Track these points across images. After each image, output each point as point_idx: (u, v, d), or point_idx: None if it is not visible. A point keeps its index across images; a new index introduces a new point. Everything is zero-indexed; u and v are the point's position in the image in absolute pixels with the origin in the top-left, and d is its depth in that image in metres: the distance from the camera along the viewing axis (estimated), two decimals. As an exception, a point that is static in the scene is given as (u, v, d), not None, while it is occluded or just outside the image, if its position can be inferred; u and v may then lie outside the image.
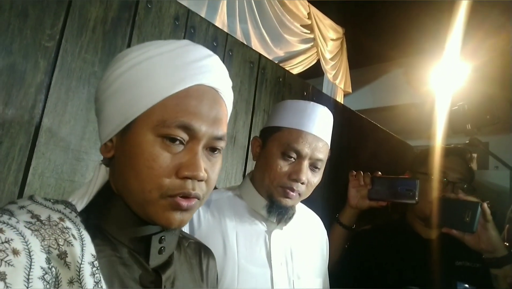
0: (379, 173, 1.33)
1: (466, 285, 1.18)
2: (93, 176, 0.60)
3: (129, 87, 0.55)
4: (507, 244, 1.45)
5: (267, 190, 0.97)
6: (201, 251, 0.76)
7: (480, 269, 1.19)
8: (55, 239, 0.47)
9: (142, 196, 0.55)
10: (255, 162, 1.04)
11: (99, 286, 0.49)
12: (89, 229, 0.52)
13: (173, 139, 0.54)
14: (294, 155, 0.94)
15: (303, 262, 1.01)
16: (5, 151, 0.84)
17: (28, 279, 0.41)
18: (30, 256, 0.43)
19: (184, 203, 0.55)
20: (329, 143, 1.00)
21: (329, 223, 1.32)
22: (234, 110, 1.36)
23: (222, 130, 0.59)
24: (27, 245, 0.43)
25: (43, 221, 0.48)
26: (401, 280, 1.15)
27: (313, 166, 0.96)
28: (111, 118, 0.57)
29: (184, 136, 0.55)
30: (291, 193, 0.94)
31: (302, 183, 0.94)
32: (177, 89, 0.55)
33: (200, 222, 0.94)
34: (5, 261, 0.40)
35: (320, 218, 1.18)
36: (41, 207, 0.50)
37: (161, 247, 0.61)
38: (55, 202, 0.52)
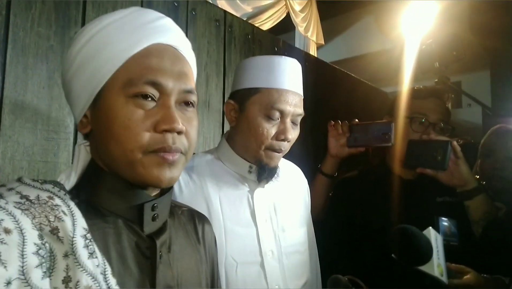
0: (356, 120, 1.35)
1: (446, 218, 1.24)
2: (74, 158, 0.61)
3: (90, 59, 0.57)
4: (478, 177, 1.52)
5: (254, 154, 0.96)
6: (195, 217, 0.78)
7: (459, 203, 1.25)
8: (46, 216, 0.48)
9: (125, 158, 0.56)
10: (232, 125, 1.01)
11: (94, 256, 0.50)
12: (80, 205, 0.53)
13: (144, 96, 0.56)
14: (278, 115, 0.93)
15: (287, 215, 1.03)
16: (-32, 138, 0.80)
17: (22, 255, 0.43)
18: (22, 234, 0.44)
19: (168, 156, 0.57)
20: (302, 96, 1.00)
21: (311, 174, 1.35)
22: (205, 73, 1.33)
23: (190, 84, 0.61)
24: (18, 224, 0.44)
25: (32, 201, 0.49)
26: (385, 221, 1.19)
27: (293, 123, 0.97)
28: (80, 94, 0.58)
29: (154, 92, 0.56)
30: (278, 153, 0.96)
31: (288, 142, 0.95)
32: (136, 49, 0.57)
33: (182, 190, 0.94)
34: None
35: (303, 170, 1.20)
36: (30, 187, 0.51)
37: (154, 214, 0.62)
38: (43, 182, 0.53)
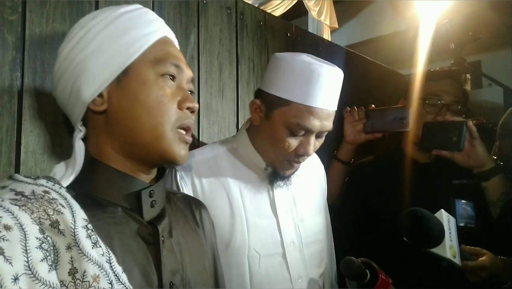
0: (373, 106, 1.33)
1: (463, 201, 1.23)
2: (74, 152, 0.62)
3: (114, 40, 0.61)
4: (495, 158, 1.49)
5: (271, 161, 0.96)
6: (191, 203, 0.81)
7: (476, 186, 1.23)
8: (44, 210, 0.48)
9: (155, 132, 0.61)
10: (255, 124, 0.98)
11: (98, 245, 0.51)
12: (76, 198, 0.53)
13: (170, 76, 0.64)
14: (303, 132, 0.90)
15: (306, 205, 1.04)
16: (-8, 134, 0.83)
17: (26, 250, 0.42)
18: (23, 229, 0.44)
19: (188, 136, 0.65)
20: (336, 108, 0.95)
21: (327, 161, 1.35)
22: (218, 62, 1.33)
23: (192, 73, 0.70)
24: (17, 220, 0.44)
25: (28, 196, 0.48)
26: (401, 205, 1.19)
27: (319, 136, 0.94)
28: (100, 72, 0.61)
29: (175, 74, 0.65)
30: (296, 164, 0.95)
31: (308, 156, 0.94)
32: (158, 36, 0.65)
33: (203, 184, 0.94)
34: (0, 237, 0.41)
35: (318, 157, 1.19)
36: (23, 184, 0.51)
37: (152, 200, 0.65)
38: (36, 178, 0.53)
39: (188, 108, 0.65)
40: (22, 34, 0.88)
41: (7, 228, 0.42)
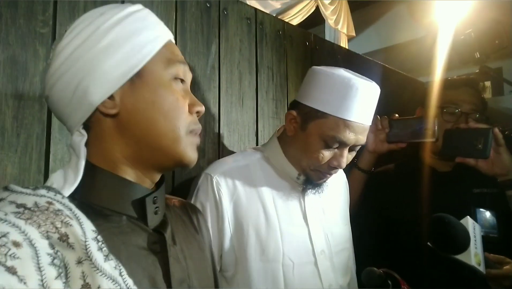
0: (396, 115, 1.32)
1: (485, 210, 1.20)
2: (74, 157, 0.57)
3: (126, 39, 0.58)
4: None
5: (303, 170, 0.97)
6: (188, 208, 0.79)
7: (498, 194, 1.21)
8: (52, 223, 0.45)
9: (171, 135, 0.60)
10: (289, 134, 0.99)
11: (110, 258, 0.48)
12: (79, 208, 0.50)
13: (179, 79, 0.63)
14: (337, 145, 0.91)
15: (334, 216, 1.05)
16: (24, 142, 0.86)
17: (39, 268, 0.40)
18: (33, 245, 0.41)
19: (197, 139, 0.65)
20: (371, 123, 0.97)
21: (347, 169, 1.34)
22: (238, 71, 1.35)
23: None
24: (25, 235, 0.41)
25: (32, 208, 0.45)
26: (420, 215, 1.17)
27: (353, 150, 0.96)
28: (111, 72, 0.57)
29: (183, 76, 0.64)
30: (328, 176, 0.97)
31: (341, 168, 0.95)
32: (165, 39, 0.63)
33: (237, 191, 0.95)
34: (10, 255, 0.38)
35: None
36: (23, 195, 0.47)
37: (156, 207, 0.63)
38: (35, 188, 0.49)
39: (197, 112, 0.64)
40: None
41: (16, 244, 0.39)
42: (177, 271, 0.61)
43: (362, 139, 0.93)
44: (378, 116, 1.34)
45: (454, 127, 1.23)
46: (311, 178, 0.97)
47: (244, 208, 0.93)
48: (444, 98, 1.29)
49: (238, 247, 0.92)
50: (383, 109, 1.41)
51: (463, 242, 0.94)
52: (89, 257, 0.45)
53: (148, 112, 0.59)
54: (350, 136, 0.90)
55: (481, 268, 0.95)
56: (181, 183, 1.15)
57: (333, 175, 1.11)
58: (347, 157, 0.93)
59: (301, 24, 3.45)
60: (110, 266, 0.47)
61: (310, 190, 0.99)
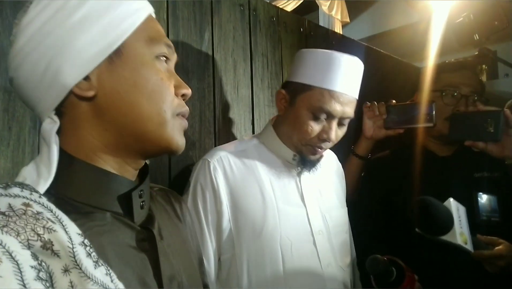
0: (394, 101, 1.31)
1: (486, 194, 1.21)
2: (47, 149, 0.49)
3: (103, 12, 0.51)
4: None
5: (295, 146, 1.00)
6: (170, 197, 0.74)
7: (500, 178, 1.21)
8: (32, 230, 0.40)
9: (157, 119, 0.54)
10: (280, 114, 1.04)
11: (100, 264, 0.44)
12: (58, 206, 0.45)
13: (165, 57, 0.57)
14: (325, 116, 0.94)
15: (330, 198, 1.07)
16: (16, 136, 0.85)
17: (24, 285, 0.35)
18: (13, 259, 0.36)
19: (185, 123, 0.60)
20: (357, 97, 0.99)
21: (343, 155, 1.34)
22: (232, 59, 1.33)
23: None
24: (4, 248, 0.36)
25: (6, 213, 0.40)
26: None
27: (341, 123, 0.98)
28: (86, 50, 0.50)
29: (168, 54, 0.58)
30: (320, 150, 0.98)
31: (330, 141, 0.97)
32: (146, 13, 0.56)
33: (234, 174, 0.97)
34: None
35: (333, 151, 1.20)
36: None
37: (142, 201, 0.58)
38: (6, 187, 0.43)
39: (183, 95, 0.59)
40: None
41: None
42: (166, 268, 0.56)
43: (349, 111, 0.95)
44: (375, 102, 1.33)
45: (462, 111, 1.21)
46: (304, 156, 0.99)
47: (241, 190, 0.95)
48: (443, 82, 1.28)
49: (235, 228, 0.94)
50: (378, 94, 1.40)
51: (447, 222, 0.96)
52: (77, 265, 0.41)
53: (129, 95, 0.52)
54: (336, 107, 0.92)
55: (468, 247, 0.97)
56: (178, 174, 1.14)
57: (330, 163, 1.13)
58: (336, 130, 0.96)
59: (295, 11, 3.42)
60: (101, 273, 0.43)
61: (306, 170, 1.02)
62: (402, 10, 4.30)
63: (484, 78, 3.92)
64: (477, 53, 1.90)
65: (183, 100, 0.59)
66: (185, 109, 0.59)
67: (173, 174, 1.13)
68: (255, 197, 0.96)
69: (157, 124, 0.54)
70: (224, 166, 0.97)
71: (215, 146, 1.23)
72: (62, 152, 0.50)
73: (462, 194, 1.11)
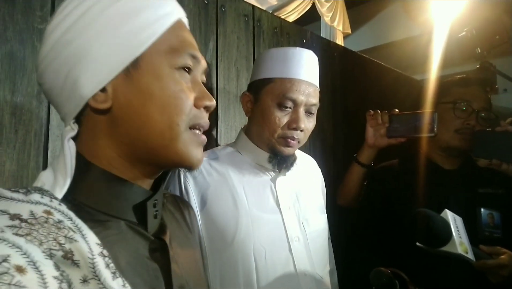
0: (396, 110, 1.33)
1: (489, 210, 1.22)
2: (63, 155, 0.49)
3: (123, 21, 0.50)
4: None
5: (267, 142, 0.99)
6: (179, 204, 0.74)
7: (503, 195, 1.22)
8: (54, 239, 0.40)
9: (169, 132, 0.52)
10: (248, 115, 1.06)
11: (117, 275, 0.44)
12: (75, 213, 0.45)
13: (187, 68, 0.55)
14: (290, 104, 0.95)
15: (308, 203, 1.05)
16: (22, 138, 0.86)
17: None
18: (38, 269, 0.36)
19: (204, 137, 0.57)
20: (318, 87, 1.01)
21: (345, 163, 1.35)
22: (235, 68, 1.35)
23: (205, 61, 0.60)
24: (28, 257, 0.36)
25: (28, 220, 0.40)
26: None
27: (308, 112, 0.98)
28: (104, 61, 0.50)
29: (191, 65, 0.55)
30: (292, 141, 0.97)
31: (301, 131, 0.97)
32: (171, 20, 0.54)
33: (207, 182, 0.96)
34: (14, 285, 0.33)
35: (333, 160, 1.21)
36: (15, 202, 0.41)
37: (155, 211, 0.57)
38: (27, 192, 0.43)
39: (205, 107, 0.56)
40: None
41: (20, 270, 0.34)
42: (177, 278, 0.56)
43: (312, 98, 0.97)
44: (379, 111, 1.35)
45: (487, 129, 1.23)
46: (278, 152, 0.98)
47: (213, 198, 0.94)
48: (454, 95, 1.31)
49: (207, 236, 0.92)
50: (379, 106, 1.42)
51: (445, 233, 0.97)
52: (96, 276, 0.41)
53: (143, 108, 0.51)
54: (298, 94, 0.95)
55: (470, 256, 0.98)
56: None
57: (308, 168, 1.14)
58: (304, 119, 0.96)
59: (297, 21, 3.45)
60: (118, 284, 0.43)
61: (283, 170, 1.01)
62: (403, 23, 4.35)
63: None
64: (478, 66, 1.93)
65: (207, 112, 0.57)
66: (203, 120, 0.56)
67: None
68: (227, 204, 0.94)
69: (169, 138, 0.53)
70: (195, 175, 0.96)
71: (217, 153, 1.24)
72: (81, 158, 0.51)
73: (465, 209, 1.12)
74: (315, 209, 1.08)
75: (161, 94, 0.51)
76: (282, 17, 2.95)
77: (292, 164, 1.02)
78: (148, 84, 0.51)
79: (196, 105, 0.55)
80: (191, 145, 0.55)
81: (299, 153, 1.13)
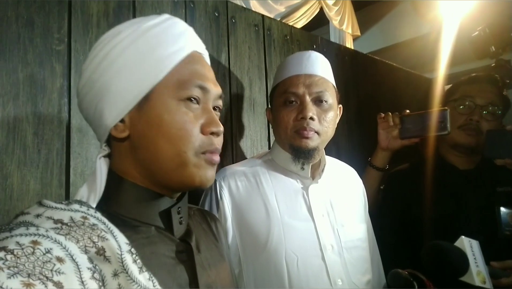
0: (407, 111, 1.32)
1: (509, 209, 1.19)
2: (95, 171, 0.59)
3: (138, 61, 0.57)
4: None
5: (287, 142, 1.01)
6: (206, 216, 0.80)
7: None
8: (89, 238, 0.46)
9: (177, 160, 0.58)
10: (272, 125, 1.11)
11: (143, 270, 0.49)
12: (109, 220, 0.52)
13: (193, 99, 0.60)
14: (293, 98, 0.99)
15: (345, 211, 1.04)
16: (45, 157, 0.88)
17: (82, 282, 0.42)
18: (74, 261, 0.43)
19: (215, 157, 0.62)
20: (327, 78, 1.02)
21: (360, 167, 1.34)
22: (248, 78, 1.36)
23: (220, 89, 0.65)
24: (67, 251, 0.43)
25: (68, 224, 0.47)
26: (442, 214, 1.16)
27: (318, 100, 0.99)
28: (123, 95, 0.57)
29: (199, 96, 0.60)
30: (305, 132, 0.97)
31: (311, 119, 0.97)
32: (183, 54, 0.60)
33: (239, 190, 0.99)
34: (55, 271, 0.40)
35: (350, 164, 1.20)
36: (58, 210, 0.49)
37: (180, 217, 0.65)
38: (68, 203, 0.51)
39: (212, 133, 0.61)
40: (68, 62, 0.94)
41: (60, 260, 0.41)
42: (204, 278, 0.62)
43: (316, 87, 0.99)
44: (390, 113, 1.34)
45: (498, 129, 1.22)
46: (295, 146, 0.98)
47: (246, 207, 0.97)
48: (460, 92, 1.32)
49: (241, 244, 0.95)
50: (391, 106, 1.41)
51: (462, 265, 0.93)
52: (124, 269, 0.47)
53: (153, 138, 0.58)
54: (298, 86, 0.98)
55: (487, 285, 0.94)
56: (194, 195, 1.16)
57: (346, 175, 1.13)
58: (310, 107, 0.97)
59: (306, 26, 3.45)
60: (144, 277, 0.49)
61: (305, 162, 1.01)
62: (412, 21, 4.31)
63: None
64: (494, 64, 1.91)
65: (216, 136, 0.62)
66: (213, 147, 0.61)
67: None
68: (259, 212, 0.96)
69: (177, 164, 0.58)
70: (230, 184, 0.99)
71: (233, 162, 1.25)
72: (113, 174, 0.60)
73: (484, 209, 1.10)
74: (353, 218, 1.06)
75: (169, 126, 0.57)
76: (291, 23, 2.97)
77: (322, 170, 1.04)
78: (157, 116, 0.57)
79: (203, 132, 0.60)
80: (201, 168, 0.60)
81: (335, 162, 1.15)
